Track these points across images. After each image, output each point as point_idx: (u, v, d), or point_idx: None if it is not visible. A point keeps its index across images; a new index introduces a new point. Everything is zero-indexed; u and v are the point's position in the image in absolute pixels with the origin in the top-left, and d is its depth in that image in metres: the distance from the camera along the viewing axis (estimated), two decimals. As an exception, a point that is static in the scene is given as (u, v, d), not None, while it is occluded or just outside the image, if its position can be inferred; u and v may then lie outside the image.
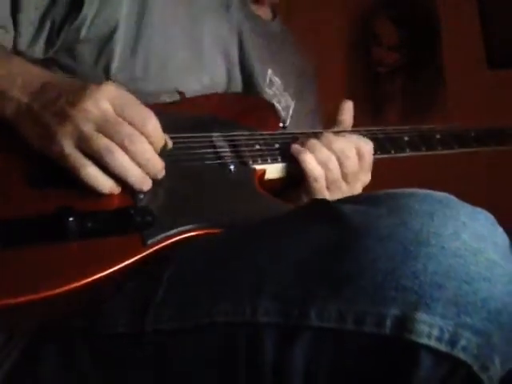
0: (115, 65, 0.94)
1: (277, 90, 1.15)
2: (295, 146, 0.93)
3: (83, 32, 0.92)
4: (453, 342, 0.56)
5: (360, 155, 0.95)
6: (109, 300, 0.72)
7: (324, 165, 0.92)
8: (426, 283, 0.57)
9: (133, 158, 0.74)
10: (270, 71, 1.15)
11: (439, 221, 0.60)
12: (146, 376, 0.70)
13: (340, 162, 0.93)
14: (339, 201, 0.71)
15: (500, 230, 0.63)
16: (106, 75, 0.93)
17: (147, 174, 0.76)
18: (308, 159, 0.92)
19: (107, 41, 0.94)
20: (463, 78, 2.31)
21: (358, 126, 1.06)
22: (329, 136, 0.95)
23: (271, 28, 1.22)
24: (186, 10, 1.03)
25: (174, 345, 0.68)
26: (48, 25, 0.92)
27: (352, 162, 0.94)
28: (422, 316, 0.56)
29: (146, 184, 0.76)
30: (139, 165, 0.75)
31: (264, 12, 1.21)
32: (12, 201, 0.73)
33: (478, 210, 0.64)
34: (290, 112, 1.17)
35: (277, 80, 1.16)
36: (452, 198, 0.65)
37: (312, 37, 2.46)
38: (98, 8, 0.93)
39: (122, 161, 0.73)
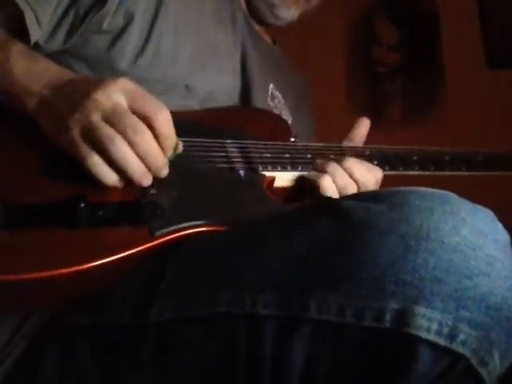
0: (127, 56, 0.95)
1: (278, 104, 1.17)
2: (314, 173, 0.94)
3: (105, 24, 0.93)
4: (452, 336, 0.57)
5: (374, 183, 0.97)
6: (113, 289, 0.73)
7: (343, 189, 0.93)
8: (426, 278, 0.57)
9: (134, 149, 0.73)
10: (271, 85, 1.17)
11: (439, 216, 0.61)
12: (147, 371, 0.71)
13: (359, 190, 0.95)
14: (341, 198, 0.71)
15: (500, 226, 0.63)
16: (118, 66, 0.94)
17: (148, 168, 0.75)
18: (327, 183, 0.93)
19: (122, 32, 0.95)
20: (463, 77, 2.31)
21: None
22: (350, 162, 0.96)
23: (272, 50, 1.26)
24: (197, 16, 1.06)
25: (175, 338, 0.69)
26: (71, 17, 0.92)
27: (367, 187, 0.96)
28: (421, 310, 0.57)
29: (145, 178, 0.75)
30: (140, 157, 0.74)
31: (265, 37, 1.25)
32: (29, 187, 0.75)
33: (478, 206, 0.64)
34: None
35: (278, 94, 1.18)
36: (452, 195, 0.65)
37: (312, 37, 2.46)
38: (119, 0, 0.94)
39: (122, 150, 0.73)
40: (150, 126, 0.74)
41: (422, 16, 2.51)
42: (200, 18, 1.06)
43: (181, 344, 0.68)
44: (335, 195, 0.93)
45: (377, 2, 2.60)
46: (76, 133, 0.73)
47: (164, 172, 0.77)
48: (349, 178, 0.94)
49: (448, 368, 0.58)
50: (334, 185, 0.93)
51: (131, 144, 0.73)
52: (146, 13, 0.97)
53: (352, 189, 0.94)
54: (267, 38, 1.27)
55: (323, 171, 0.94)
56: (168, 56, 0.98)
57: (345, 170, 0.94)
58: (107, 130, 0.73)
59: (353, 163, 0.96)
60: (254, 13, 1.19)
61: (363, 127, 1.06)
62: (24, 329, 0.78)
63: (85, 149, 0.73)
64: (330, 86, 2.44)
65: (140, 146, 0.74)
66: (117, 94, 0.74)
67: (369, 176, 0.96)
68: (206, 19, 1.07)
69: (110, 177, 0.74)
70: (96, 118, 0.73)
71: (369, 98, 2.58)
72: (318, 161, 0.96)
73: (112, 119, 0.73)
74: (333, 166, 0.94)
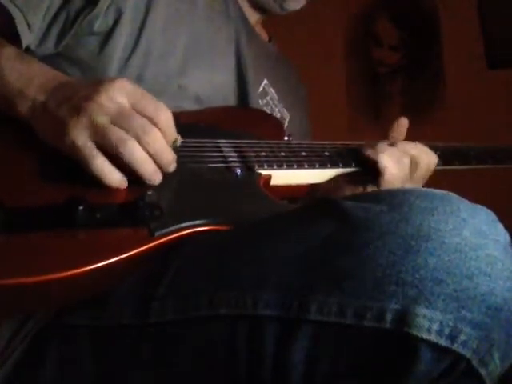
0: (118, 56, 0.95)
1: (270, 100, 1.16)
2: (368, 150, 0.98)
3: (96, 25, 0.93)
4: (453, 337, 0.57)
5: (429, 166, 1.01)
6: (113, 290, 0.73)
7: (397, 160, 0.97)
8: (427, 278, 0.57)
9: (146, 148, 0.74)
10: (265, 81, 1.16)
11: (440, 217, 0.61)
12: (147, 371, 0.71)
13: (414, 164, 0.98)
14: (341, 198, 0.71)
15: (500, 226, 0.63)
16: (110, 67, 0.94)
17: (159, 166, 0.76)
18: (384, 158, 0.96)
19: (112, 32, 0.94)
20: (463, 77, 2.32)
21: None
22: (404, 142, 1.01)
23: (267, 47, 1.24)
24: (188, 13, 1.05)
25: (176, 338, 0.69)
26: (61, 20, 0.92)
27: (423, 168, 1.00)
28: (422, 310, 0.57)
29: (156, 177, 0.76)
30: (152, 156, 0.75)
31: (260, 31, 1.24)
32: (26, 190, 0.75)
33: (479, 206, 0.64)
34: (286, 124, 1.18)
35: (271, 91, 1.17)
36: (453, 195, 0.65)
37: (312, 37, 2.47)
38: (111, 1, 0.94)
39: (135, 151, 0.74)
40: (154, 125, 0.75)
41: (422, 16, 2.51)
42: (192, 14, 1.05)
43: (181, 344, 0.68)
44: (394, 168, 0.96)
45: (377, 2, 2.60)
46: (81, 137, 0.73)
47: (172, 167, 0.78)
48: (401, 152, 0.98)
49: (449, 368, 0.58)
50: (390, 158, 0.96)
51: (143, 144, 0.74)
52: (135, 12, 0.97)
53: (406, 160, 0.98)
54: (263, 34, 1.26)
55: (376, 150, 0.97)
56: (159, 55, 0.98)
57: (397, 147, 0.98)
58: (118, 133, 0.73)
59: (404, 142, 1.01)
60: (256, 3, 1.17)
61: (403, 127, 1.07)
62: (24, 329, 0.78)
63: (89, 152, 0.73)
64: (330, 86, 2.44)
65: (151, 145, 0.74)
66: (118, 95, 0.74)
67: (421, 152, 1.00)
68: (197, 16, 1.06)
69: (116, 178, 0.75)
70: (103, 121, 0.73)
71: (369, 98, 2.58)
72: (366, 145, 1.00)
73: (120, 121, 0.74)
74: (381, 145, 0.98)
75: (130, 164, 0.74)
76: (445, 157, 1.09)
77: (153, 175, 0.76)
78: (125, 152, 0.73)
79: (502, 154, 1.18)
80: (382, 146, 0.98)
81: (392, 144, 0.99)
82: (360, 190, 0.97)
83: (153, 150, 0.75)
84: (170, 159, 0.77)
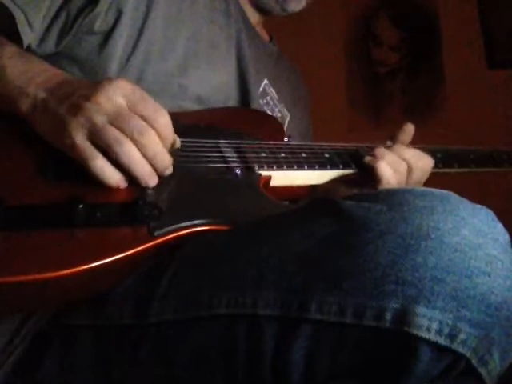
0: (119, 56, 0.95)
1: (270, 100, 1.16)
2: (369, 158, 0.98)
3: (97, 24, 0.93)
4: (452, 336, 0.57)
5: (424, 169, 1.00)
6: (113, 290, 0.73)
7: (395, 169, 0.97)
8: (426, 277, 0.57)
9: (142, 150, 0.74)
10: (265, 81, 1.16)
11: (439, 216, 0.61)
12: (147, 370, 0.71)
13: (409, 169, 0.98)
14: (341, 198, 0.71)
15: (500, 225, 0.63)
16: (110, 67, 0.94)
17: (155, 168, 0.76)
18: (383, 166, 0.96)
19: (112, 32, 0.95)
20: (463, 77, 2.32)
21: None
22: (400, 146, 1.01)
23: (268, 46, 1.24)
24: (189, 12, 1.05)
25: (176, 338, 0.69)
26: (62, 19, 0.92)
27: (419, 172, 0.99)
28: (421, 309, 0.57)
29: (152, 179, 0.76)
30: (147, 158, 0.75)
31: (261, 31, 1.24)
32: (27, 189, 0.75)
33: (479, 206, 0.64)
34: (286, 124, 1.18)
35: (272, 91, 1.17)
36: (452, 194, 0.65)
37: (312, 37, 2.47)
38: (112, 0, 0.94)
39: (130, 153, 0.74)
40: (153, 127, 0.75)
41: (421, 16, 2.51)
42: (193, 14, 1.05)
43: (181, 344, 0.68)
44: (392, 177, 0.96)
45: (377, 1, 2.61)
46: (79, 136, 0.73)
47: (168, 171, 0.78)
48: (398, 158, 0.98)
49: (448, 367, 0.58)
50: (388, 167, 0.96)
51: (139, 146, 0.74)
52: (136, 12, 0.97)
53: (403, 167, 0.97)
54: (264, 34, 1.26)
55: (375, 156, 0.97)
56: (160, 55, 0.98)
57: (394, 152, 0.98)
58: (114, 133, 0.73)
59: (401, 146, 1.01)
60: (257, 3, 1.17)
61: (409, 133, 1.07)
62: (24, 329, 0.78)
63: (89, 151, 0.74)
64: (330, 86, 2.44)
65: (147, 147, 0.74)
66: (117, 96, 0.74)
67: (416, 154, 1.00)
68: (198, 16, 1.06)
69: (114, 178, 0.75)
70: (101, 121, 0.73)
71: (369, 98, 2.58)
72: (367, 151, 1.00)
73: (117, 122, 0.74)
74: (380, 150, 0.98)
75: (125, 165, 0.74)
76: (445, 160, 1.09)
77: (147, 177, 0.76)
78: (120, 152, 0.73)
79: (501, 158, 1.18)
80: (382, 151, 0.97)
81: (389, 147, 0.99)
82: (359, 191, 0.97)
83: (149, 152, 0.75)
84: (165, 163, 0.77)
